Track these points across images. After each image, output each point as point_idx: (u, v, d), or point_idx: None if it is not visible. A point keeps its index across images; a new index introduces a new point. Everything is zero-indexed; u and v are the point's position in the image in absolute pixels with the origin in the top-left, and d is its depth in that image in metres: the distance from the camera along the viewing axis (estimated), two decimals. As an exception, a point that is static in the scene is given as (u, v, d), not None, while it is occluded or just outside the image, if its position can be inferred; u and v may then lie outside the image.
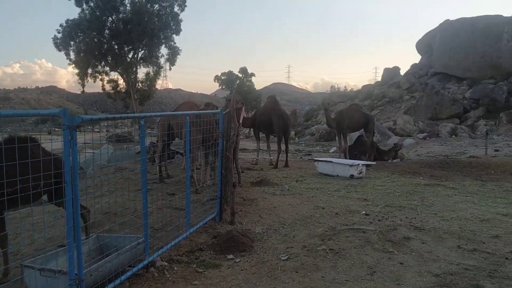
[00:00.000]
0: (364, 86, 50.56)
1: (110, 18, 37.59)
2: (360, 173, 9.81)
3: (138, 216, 5.04)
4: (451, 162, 13.33)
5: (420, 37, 48.97)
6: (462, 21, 39.48)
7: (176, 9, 38.54)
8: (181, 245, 4.93)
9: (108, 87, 41.09)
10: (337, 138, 14.42)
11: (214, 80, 56.01)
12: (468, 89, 34.17)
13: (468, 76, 36.29)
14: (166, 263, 4.35)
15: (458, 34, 38.07)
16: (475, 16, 39.06)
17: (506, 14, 48.58)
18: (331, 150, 19.33)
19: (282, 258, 4.48)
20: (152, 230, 4.85)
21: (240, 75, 54.58)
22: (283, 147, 12.18)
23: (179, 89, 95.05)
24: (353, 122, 13.61)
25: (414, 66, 48.34)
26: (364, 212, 6.38)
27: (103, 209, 5.88)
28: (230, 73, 54.65)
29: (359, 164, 9.93)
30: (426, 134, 25.62)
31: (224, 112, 6.13)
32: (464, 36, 37.44)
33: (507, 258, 4.33)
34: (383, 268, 4.13)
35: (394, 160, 14.00)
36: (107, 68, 39.77)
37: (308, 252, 4.65)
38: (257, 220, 6.04)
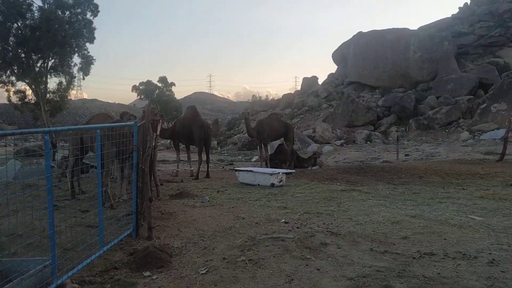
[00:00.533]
0: (284, 95, 51.73)
1: (15, 25, 35.21)
2: (281, 181, 9.97)
3: (46, 237, 4.70)
4: (366, 168, 14.03)
5: (335, 47, 51.27)
6: (373, 33, 41.87)
7: (88, 15, 37.02)
8: (94, 264, 4.66)
9: (15, 98, 38.38)
10: (258, 147, 14.57)
11: (132, 90, 54.59)
12: (381, 97, 36.17)
13: (380, 85, 38.50)
14: (77, 285, 4.08)
15: (370, 45, 40.29)
16: (385, 28, 41.64)
17: (412, 27, 52.43)
18: (253, 159, 19.51)
19: (201, 272, 4.39)
20: (62, 250, 4.55)
21: (160, 85, 53.65)
22: (204, 157, 12.08)
23: (95, 99, 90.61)
24: (273, 131, 13.84)
25: (331, 75, 50.45)
26: (283, 220, 6.46)
27: (7, 231, 5.42)
28: (149, 82, 53.54)
29: (279, 173, 10.09)
30: (343, 141, 26.72)
31: (138, 124, 5.93)
32: (376, 47, 39.70)
33: (414, 258, 4.58)
34: (301, 275, 4.18)
35: (314, 167, 14.42)
36: (13, 78, 37.14)
37: (228, 264, 4.59)
38: (176, 234, 5.89)
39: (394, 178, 11.74)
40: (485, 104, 27.05)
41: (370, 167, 14.30)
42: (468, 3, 51.53)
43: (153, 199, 6.24)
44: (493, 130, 24.27)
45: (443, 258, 4.57)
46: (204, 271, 4.40)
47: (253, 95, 64.44)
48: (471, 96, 30.78)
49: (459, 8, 53.01)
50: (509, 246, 4.92)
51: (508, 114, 24.04)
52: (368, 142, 26.70)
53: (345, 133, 29.02)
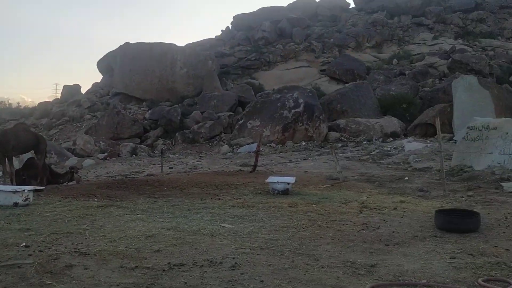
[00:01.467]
0: (41, 103, 46.82)
1: None
2: (27, 199, 8.79)
3: None
4: (129, 181, 13.66)
5: (101, 56, 49.35)
6: (141, 46, 41.71)
7: None
8: None
9: None
10: (2, 161, 12.64)
11: None
12: (148, 110, 36.28)
13: (148, 98, 38.64)
14: None
15: (138, 58, 40.05)
16: (152, 42, 41.97)
17: (179, 43, 54.69)
18: (-3, 175, 16.93)
19: None
20: None
21: None
22: None
23: None
24: (20, 143, 12.23)
25: (95, 85, 48.19)
26: (24, 244, 5.64)
27: None
28: None
29: (25, 190, 8.90)
30: (107, 154, 25.70)
31: None
32: (143, 60, 39.71)
33: (164, 270, 4.53)
34: (35, 307, 3.64)
35: (70, 183, 13.33)
36: None
37: None
38: None
39: (156, 191, 11.70)
40: (242, 120, 29.78)
41: (133, 180, 14.02)
42: (230, 27, 56.96)
43: None
44: (248, 144, 26.94)
45: (191, 267, 4.65)
46: None
47: (1, 102, 56.20)
48: (232, 113, 33.62)
49: (222, 31, 58.33)
50: (250, 250, 5.34)
51: (260, 129, 27.15)
52: (134, 155, 26.33)
53: (110, 146, 28.03)
